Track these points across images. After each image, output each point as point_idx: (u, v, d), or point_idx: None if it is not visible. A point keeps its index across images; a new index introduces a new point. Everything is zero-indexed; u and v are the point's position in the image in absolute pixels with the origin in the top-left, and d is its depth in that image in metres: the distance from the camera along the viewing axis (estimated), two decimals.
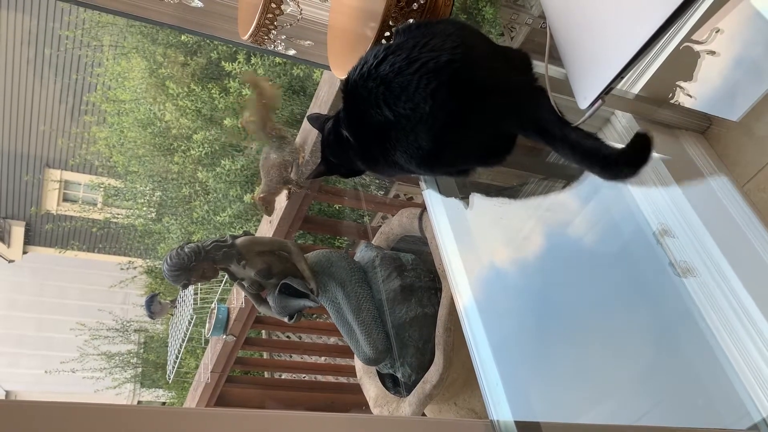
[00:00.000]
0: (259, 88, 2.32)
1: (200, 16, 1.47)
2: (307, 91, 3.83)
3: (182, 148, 4.19)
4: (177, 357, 3.56)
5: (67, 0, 1.48)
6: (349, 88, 0.99)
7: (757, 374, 0.82)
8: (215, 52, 4.18)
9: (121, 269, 5.96)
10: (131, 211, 5.11)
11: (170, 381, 4.11)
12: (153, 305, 4.36)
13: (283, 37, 1.29)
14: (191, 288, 3.15)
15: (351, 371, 2.98)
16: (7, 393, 9.20)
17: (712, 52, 1.02)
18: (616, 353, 1.04)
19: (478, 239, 1.30)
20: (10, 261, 9.18)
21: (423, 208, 1.85)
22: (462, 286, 1.22)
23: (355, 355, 1.94)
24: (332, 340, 3.60)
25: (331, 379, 3.53)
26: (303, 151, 2.39)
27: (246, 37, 1.28)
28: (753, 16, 0.97)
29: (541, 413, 1.05)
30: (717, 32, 1.00)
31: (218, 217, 3.91)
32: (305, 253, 1.99)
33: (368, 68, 0.94)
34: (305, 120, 2.01)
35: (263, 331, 3.82)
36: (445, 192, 1.31)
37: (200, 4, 1.38)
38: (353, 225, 3.33)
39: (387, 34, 1.15)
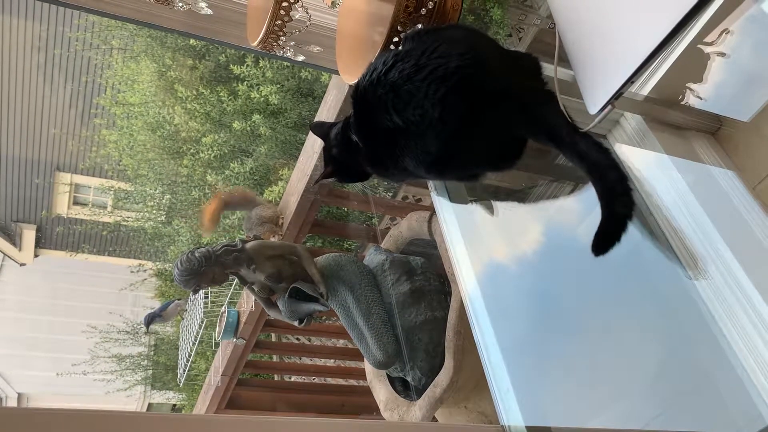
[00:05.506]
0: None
1: (209, 23, 1.48)
2: (315, 94, 3.84)
3: (191, 151, 4.21)
4: (188, 360, 3.58)
5: (80, 8, 1.49)
6: (358, 94, 0.99)
7: None
8: (223, 55, 4.19)
9: (131, 272, 5.99)
10: (141, 214, 5.14)
11: (181, 384, 4.13)
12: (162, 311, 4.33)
13: (292, 43, 1.30)
14: (201, 291, 3.17)
15: (361, 374, 2.99)
16: (20, 395, 9.26)
17: (722, 54, 1.02)
18: (626, 357, 1.03)
19: (487, 242, 1.30)
20: (22, 264, 9.23)
21: (432, 211, 1.85)
22: (472, 290, 1.22)
23: (365, 359, 1.94)
24: (341, 342, 3.60)
25: (341, 381, 3.53)
26: (281, 228, 2.43)
27: (255, 44, 1.28)
28: (762, 18, 0.96)
29: (552, 418, 1.05)
30: (727, 33, 1.00)
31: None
32: (314, 256, 1.99)
33: (377, 75, 0.94)
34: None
35: (273, 334, 3.83)
36: (454, 198, 1.31)
37: (209, 12, 1.38)
38: (362, 228, 3.33)
39: (396, 39, 1.15)
